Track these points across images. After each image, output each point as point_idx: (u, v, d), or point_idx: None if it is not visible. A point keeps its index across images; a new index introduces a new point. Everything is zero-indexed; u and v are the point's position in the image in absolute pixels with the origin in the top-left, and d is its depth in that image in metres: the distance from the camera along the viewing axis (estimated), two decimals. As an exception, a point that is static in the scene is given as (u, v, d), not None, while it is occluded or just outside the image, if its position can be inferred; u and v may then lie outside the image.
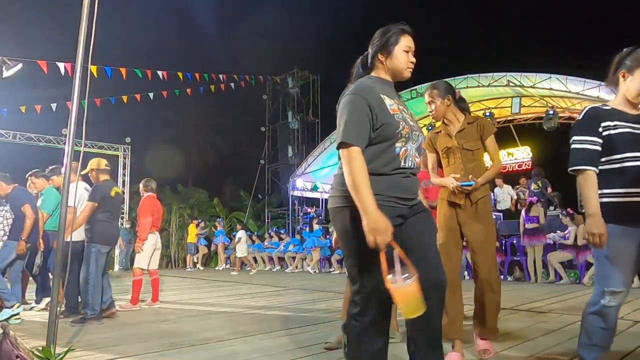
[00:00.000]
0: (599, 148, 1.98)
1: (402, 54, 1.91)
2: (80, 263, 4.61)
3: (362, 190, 1.66)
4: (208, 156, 24.90)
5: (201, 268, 13.70)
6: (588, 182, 1.94)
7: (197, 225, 13.82)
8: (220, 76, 13.90)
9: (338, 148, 1.77)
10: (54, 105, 11.43)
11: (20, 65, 8.13)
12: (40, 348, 2.66)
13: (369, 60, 1.97)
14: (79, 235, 4.65)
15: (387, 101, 1.83)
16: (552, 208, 9.47)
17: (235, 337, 3.51)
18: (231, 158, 24.39)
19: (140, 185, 5.92)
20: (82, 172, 4.93)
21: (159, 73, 11.57)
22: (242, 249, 11.75)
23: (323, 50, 24.06)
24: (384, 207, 1.72)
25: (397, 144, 1.81)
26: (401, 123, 1.82)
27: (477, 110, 12.51)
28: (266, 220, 17.65)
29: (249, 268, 12.15)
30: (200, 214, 16.33)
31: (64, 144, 5.50)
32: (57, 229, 5.01)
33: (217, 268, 13.88)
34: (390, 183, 1.80)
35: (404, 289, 1.62)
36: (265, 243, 13.60)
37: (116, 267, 13.61)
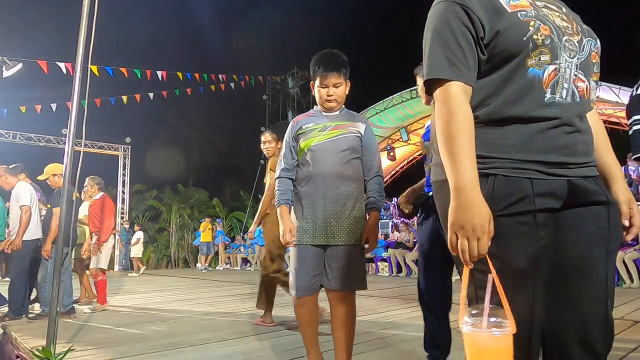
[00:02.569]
0: None
1: None
2: (32, 262, 4.63)
3: (458, 148, 0.99)
4: (208, 156, 24.92)
5: (209, 268, 13.60)
6: None
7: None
8: (220, 76, 13.90)
9: (428, 92, 1.10)
10: (54, 105, 11.44)
11: (20, 65, 8.13)
12: (40, 348, 2.66)
13: None
14: (31, 234, 4.63)
15: None
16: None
17: (235, 337, 3.51)
18: (231, 158, 24.39)
19: (90, 184, 5.38)
20: (40, 178, 4.90)
21: (159, 73, 11.59)
22: (136, 250, 12.13)
23: (323, 50, 24.08)
24: (512, 179, 1.01)
25: (531, 61, 1.02)
26: (533, 23, 1.03)
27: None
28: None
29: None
30: (200, 214, 16.32)
31: (64, 144, 5.47)
32: None
33: (217, 268, 13.88)
34: (525, 136, 1.03)
35: (484, 340, 0.94)
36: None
37: (116, 268, 13.60)
